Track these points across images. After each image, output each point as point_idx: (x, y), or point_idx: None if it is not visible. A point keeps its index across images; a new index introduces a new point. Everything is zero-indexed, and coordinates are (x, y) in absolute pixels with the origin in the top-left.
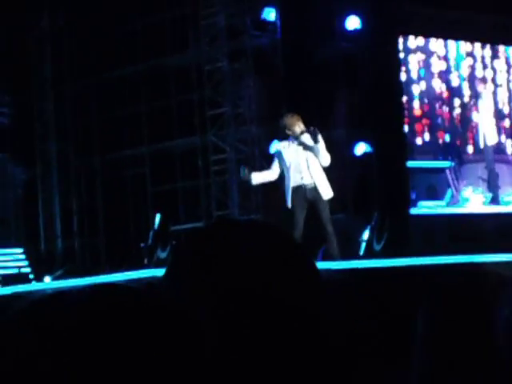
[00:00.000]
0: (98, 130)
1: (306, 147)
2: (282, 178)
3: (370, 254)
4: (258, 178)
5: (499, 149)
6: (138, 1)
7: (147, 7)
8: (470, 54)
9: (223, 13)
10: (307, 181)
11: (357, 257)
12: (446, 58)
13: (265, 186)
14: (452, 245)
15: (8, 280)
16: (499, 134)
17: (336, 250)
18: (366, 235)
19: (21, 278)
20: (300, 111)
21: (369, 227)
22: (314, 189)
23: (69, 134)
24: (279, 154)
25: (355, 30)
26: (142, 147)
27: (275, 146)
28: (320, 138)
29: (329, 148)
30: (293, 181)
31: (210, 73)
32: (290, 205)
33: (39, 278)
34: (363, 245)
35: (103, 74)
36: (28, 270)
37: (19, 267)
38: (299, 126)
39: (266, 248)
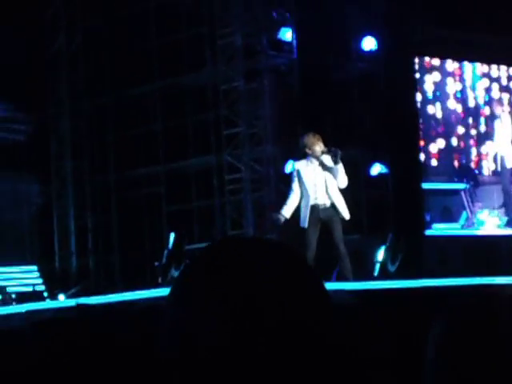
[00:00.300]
0: (113, 147)
1: (326, 168)
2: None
3: (384, 275)
4: (289, 211)
5: None
6: (155, 19)
7: (164, 26)
8: (487, 75)
9: (240, 32)
10: (321, 201)
11: (371, 277)
12: (461, 79)
13: (280, 205)
14: (466, 267)
15: (22, 297)
16: None
17: (349, 271)
18: (380, 256)
19: (35, 296)
20: (315, 131)
21: (383, 248)
22: (329, 209)
23: (84, 151)
24: (298, 173)
25: (371, 51)
26: (158, 166)
27: (293, 165)
28: (341, 164)
29: (344, 168)
30: (311, 200)
31: (226, 92)
32: (306, 224)
33: (53, 296)
34: (377, 266)
35: (119, 92)
36: (42, 287)
37: (34, 285)
38: (320, 146)
39: (273, 266)
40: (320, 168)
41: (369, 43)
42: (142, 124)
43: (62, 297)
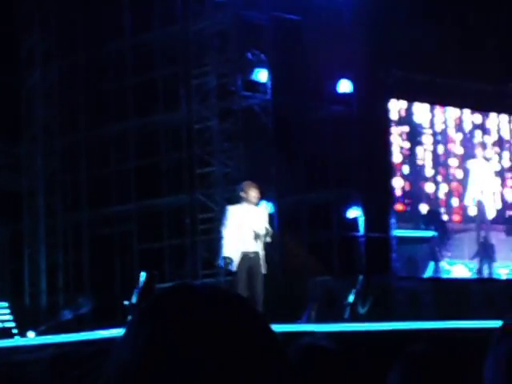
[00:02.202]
0: (86, 185)
1: (258, 216)
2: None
3: (354, 317)
4: (230, 250)
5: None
6: (130, 58)
7: (139, 64)
8: (459, 120)
9: (214, 72)
10: (252, 248)
11: (342, 319)
12: (432, 126)
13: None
14: (437, 309)
15: None
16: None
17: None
18: (351, 298)
19: (5, 333)
20: (289, 171)
21: (354, 290)
22: (256, 256)
23: (57, 188)
24: (231, 216)
25: (346, 93)
26: (130, 204)
27: (227, 208)
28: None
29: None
30: (242, 246)
31: (200, 131)
32: (235, 268)
33: (23, 333)
34: (348, 308)
35: (93, 129)
36: (12, 324)
37: (3, 321)
38: (255, 192)
39: (224, 320)
40: (252, 214)
41: (344, 86)
42: (115, 162)
43: (31, 334)
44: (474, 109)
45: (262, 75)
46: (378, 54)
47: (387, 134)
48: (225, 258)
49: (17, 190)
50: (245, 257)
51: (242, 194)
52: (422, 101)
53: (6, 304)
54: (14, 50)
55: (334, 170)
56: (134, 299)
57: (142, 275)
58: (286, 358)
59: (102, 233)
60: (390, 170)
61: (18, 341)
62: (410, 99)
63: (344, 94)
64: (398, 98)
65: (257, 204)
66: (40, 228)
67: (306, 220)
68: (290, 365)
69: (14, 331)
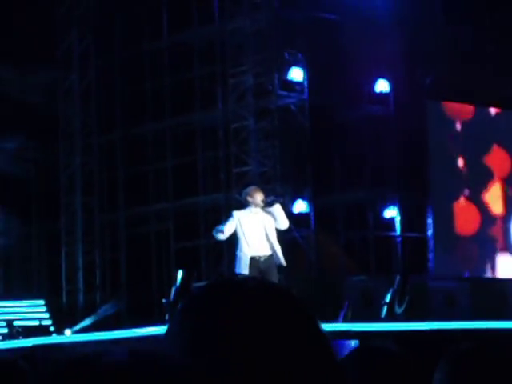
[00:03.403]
0: (123, 184)
1: (267, 212)
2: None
3: (391, 316)
4: (242, 256)
5: None
6: (168, 57)
7: (177, 64)
8: None
9: (251, 71)
10: (262, 252)
11: (378, 319)
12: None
13: (287, 247)
14: (474, 309)
15: (29, 332)
16: None
17: None
18: (387, 298)
19: (41, 330)
20: (325, 171)
21: (391, 290)
22: (268, 259)
23: (94, 187)
24: (239, 222)
25: (383, 93)
26: (167, 203)
27: (232, 213)
28: (278, 205)
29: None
30: (251, 250)
31: (237, 131)
32: (244, 271)
33: (60, 331)
34: (385, 307)
35: (130, 129)
36: (49, 322)
37: (40, 319)
38: (261, 196)
39: (270, 312)
40: (260, 218)
41: (381, 86)
42: (152, 161)
43: (68, 332)
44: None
45: (297, 74)
46: (416, 54)
47: (424, 133)
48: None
49: (55, 188)
50: (254, 261)
51: (248, 199)
52: (458, 101)
53: (42, 302)
54: (51, 50)
55: (371, 170)
56: (171, 297)
57: (180, 273)
58: (332, 353)
59: (139, 231)
60: (426, 170)
61: (54, 338)
62: (447, 99)
63: (381, 94)
64: (435, 98)
65: (264, 207)
66: (77, 226)
67: (342, 220)
68: (335, 359)
69: (51, 329)
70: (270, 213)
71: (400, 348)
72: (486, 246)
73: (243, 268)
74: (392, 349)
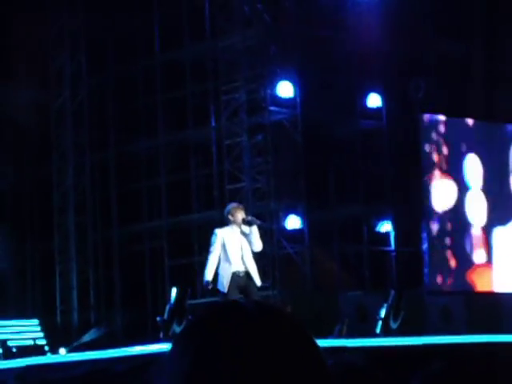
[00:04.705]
0: (116, 202)
1: (244, 234)
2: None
3: (386, 331)
4: (212, 275)
5: None
6: (159, 75)
7: (169, 81)
8: None
9: (244, 88)
10: (241, 268)
11: (373, 334)
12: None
13: (281, 262)
14: (469, 323)
15: (23, 351)
16: None
17: None
18: (382, 313)
19: (36, 350)
20: (319, 186)
21: (385, 305)
22: (245, 276)
23: (87, 206)
24: (222, 240)
25: (375, 108)
26: (160, 220)
27: (215, 232)
28: (255, 227)
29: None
30: (232, 267)
31: (230, 147)
32: (226, 290)
33: (54, 350)
34: (380, 322)
35: (123, 146)
36: (43, 341)
37: (35, 339)
38: (242, 214)
39: (274, 340)
40: (239, 236)
41: (374, 100)
42: (145, 178)
43: (63, 351)
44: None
45: (289, 89)
46: (407, 69)
47: (417, 147)
48: (208, 282)
49: (48, 207)
50: (235, 277)
51: (230, 217)
52: (451, 114)
53: (37, 321)
54: (43, 69)
55: (365, 184)
56: (165, 315)
57: (174, 291)
58: (329, 374)
59: (133, 249)
60: (421, 184)
61: (49, 358)
62: (439, 113)
63: (373, 109)
64: (428, 111)
65: (244, 224)
66: (71, 245)
67: (337, 234)
68: (331, 379)
69: (46, 348)
70: (245, 233)
71: (369, 362)
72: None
73: (225, 285)
74: (360, 363)
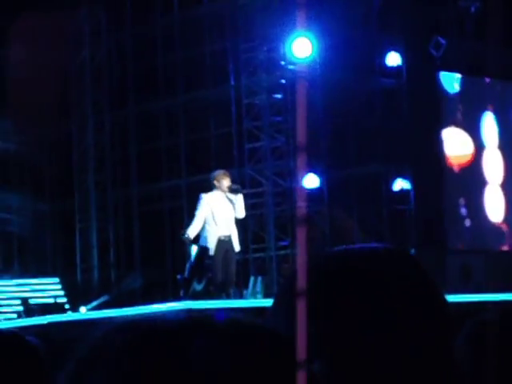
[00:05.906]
0: (135, 161)
1: (229, 200)
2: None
3: None
4: (193, 233)
5: None
6: (178, 34)
7: (188, 39)
8: None
9: (263, 46)
10: (226, 232)
11: None
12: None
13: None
14: (490, 281)
15: (44, 309)
16: None
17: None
18: None
19: (56, 308)
20: (337, 145)
21: None
22: (230, 240)
23: (107, 165)
24: (207, 204)
25: (395, 66)
26: (180, 179)
27: (201, 196)
28: (240, 195)
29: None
30: (218, 230)
31: (249, 106)
32: (213, 253)
33: (75, 309)
34: None
35: (142, 105)
36: (64, 299)
37: (55, 297)
38: (227, 181)
39: (399, 275)
40: (226, 201)
41: (393, 59)
42: (164, 137)
43: (83, 309)
44: None
45: (308, 47)
46: (427, 26)
47: (437, 105)
48: (188, 238)
49: (68, 166)
50: (220, 241)
51: (215, 183)
52: (469, 73)
53: (57, 280)
54: (62, 29)
55: (384, 143)
56: (186, 273)
57: (194, 249)
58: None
59: (153, 208)
60: (440, 143)
61: (69, 316)
62: (460, 71)
63: (393, 67)
64: (448, 69)
65: (229, 192)
66: (91, 204)
67: (356, 194)
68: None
69: (66, 306)
70: (230, 200)
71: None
72: None
73: (210, 244)
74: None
